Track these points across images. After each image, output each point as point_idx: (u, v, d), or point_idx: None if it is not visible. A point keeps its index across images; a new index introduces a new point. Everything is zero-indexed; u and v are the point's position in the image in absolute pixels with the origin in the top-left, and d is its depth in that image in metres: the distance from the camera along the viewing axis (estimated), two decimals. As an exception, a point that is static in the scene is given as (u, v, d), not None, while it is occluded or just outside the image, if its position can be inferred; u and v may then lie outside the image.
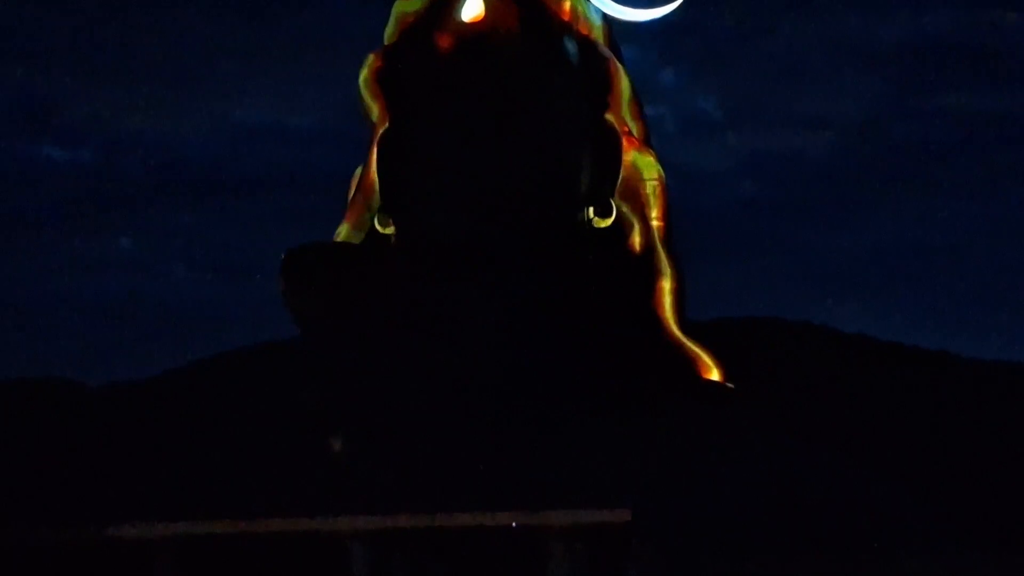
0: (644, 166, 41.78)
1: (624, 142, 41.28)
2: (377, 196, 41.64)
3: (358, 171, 43.34)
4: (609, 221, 40.28)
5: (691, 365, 40.24)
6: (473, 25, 40.22)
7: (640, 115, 42.97)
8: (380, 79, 41.91)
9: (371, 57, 42.30)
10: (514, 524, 32.06)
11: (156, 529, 33.81)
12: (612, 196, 40.44)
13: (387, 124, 41.48)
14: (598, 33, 42.63)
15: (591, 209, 40.43)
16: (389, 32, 43.03)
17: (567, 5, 42.10)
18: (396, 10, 42.91)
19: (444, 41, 40.34)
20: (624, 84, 41.79)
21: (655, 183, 41.88)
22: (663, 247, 41.40)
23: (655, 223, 41.61)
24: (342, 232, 42.14)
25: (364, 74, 42.37)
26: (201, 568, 33.81)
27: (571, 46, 40.82)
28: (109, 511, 35.14)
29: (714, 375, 39.66)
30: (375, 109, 42.05)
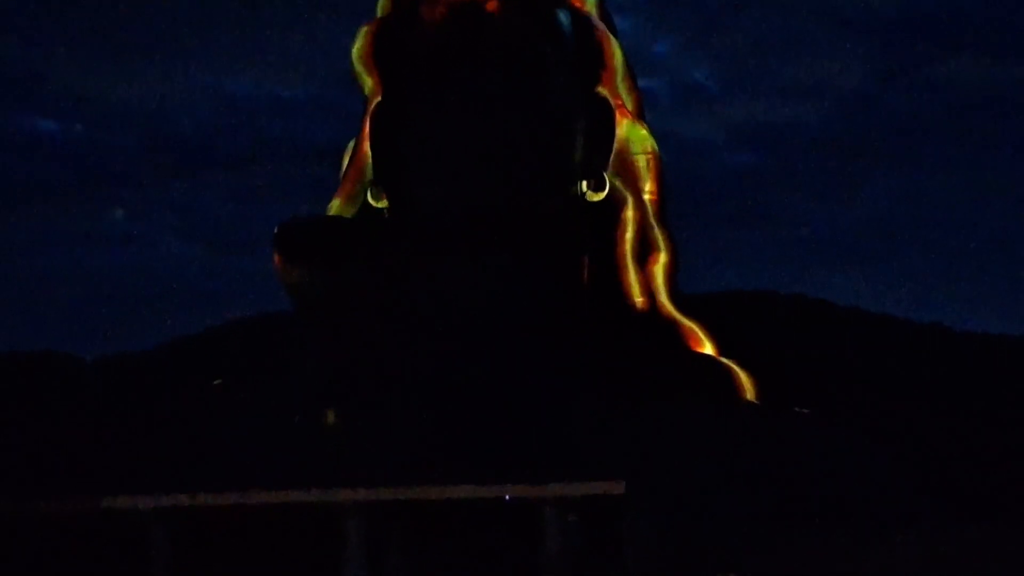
0: (637, 139, 41.75)
1: (617, 115, 41.26)
2: (370, 169, 41.63)
3: (351, 144, 43.31)
4: (603, 195, 40.31)
5: (684, 339, 40.44)
6: (465, -1, 40.21)
7: (633, 88, 42.94)
8: (373, 52, 41.85)
9: (364, 29, 42.21)
10: (508, 497, 32.17)
11: (151, 500, 33.90)
12: (606, 170, 40.47)
13: (380, 97, 41.49)
14: (591, 5, 42.53)
15: (585, 183, 40.47)
16: (382, 4, 42.92)
17: (560, -23, 42.03)
18: (389, -18, 42.86)
19: (437, 14, 40.26)
20: (617, 57, 41.72)
21: (648, 157, 41.85)
22: (656, 221, 41.43)
23: (648, 196, 41.61)
24: (335, 205, 42.12)
25: (357, 47, 42.29)
26: (195, 539, 33.94)
27: (564, 18, 40.74)
28: (105, 483, 35.25)
29: (707, 348, 39.75)
30: (369, 82, 41.99)
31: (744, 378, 37.96)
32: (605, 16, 43.39)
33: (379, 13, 42.49)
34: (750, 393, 37.72)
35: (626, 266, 40.09)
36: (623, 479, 31.64)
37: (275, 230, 39.26)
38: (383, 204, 40.71)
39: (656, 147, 42.01)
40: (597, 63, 41.22)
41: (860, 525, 32.07)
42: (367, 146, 41.27)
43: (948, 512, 34.69)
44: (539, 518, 32.18)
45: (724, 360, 38.57)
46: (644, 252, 40.58)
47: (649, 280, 40.46)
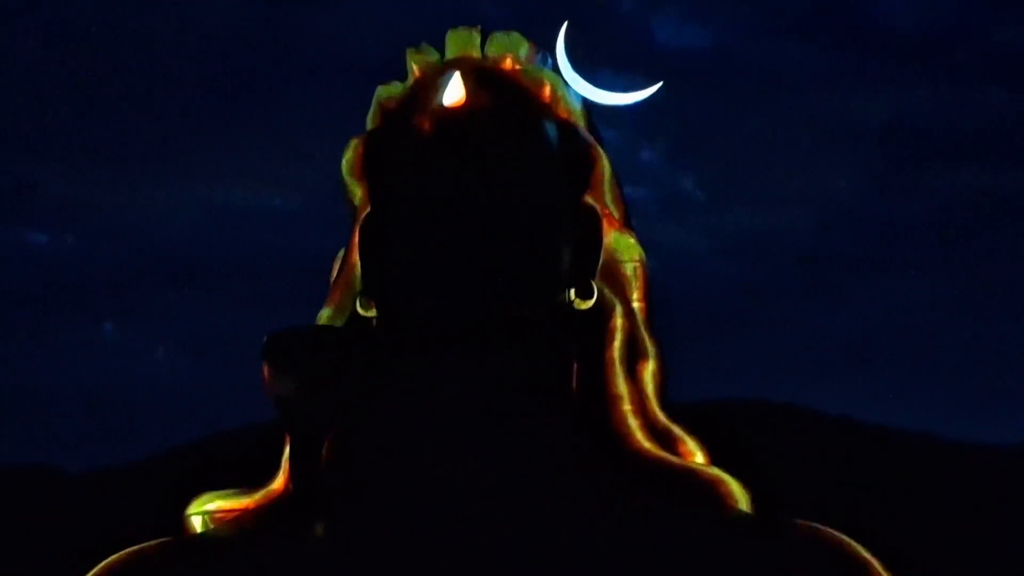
0: (624, 247, 40.86)
1: (604, 224, 40.75)
2: (359, 279, 41.03)
3: (340, 253, 42.76)
4: (590, 303, 39.60)
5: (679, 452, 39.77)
6: (453, 109, 39.80)
7: (620, 197, 42.12)
8: (363, 163, 41.40)
9: (354, 142, 41.61)
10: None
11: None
12: (593, 278, 39.75)
13: (369, 208, 40.93)
14: (577, 116, 42.03)
15: (572, 291, 39.79)
16: (371, 117, 42.27)
17: (547, 89, 41.46)
18: (378, 96, 42.24)
19: (424, 125, 39.62)
20: (604, 166, 40.98)
21: (635, 264, 40.98)
22: (645, 329, 40.66)
23: (636, 304, 40.81)
24: (324, 315, 41.06)
25: (347, 158, 41.50)
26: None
27: (551, 129, 40.11)
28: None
29: (698, 458, 38.94)
30: (358, 193, 41.14)
31: (736, 487, 37.12)
32: (592, 127, 42.95)
33: (368, 126, 42.22)
34: (742, 502, 36.91)
35: (614, 374, 39.24)
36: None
37: (264, 340, 38.67)
38: (372, 313, 40.02)
39: (643, 255, 41.41)
40: (584, 173, 40.44)
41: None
42: (356, 256, 40.51)
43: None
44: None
45: (716, 470, 37.84)
46: (633, 360, 39.78)
47: (639, 389, 39.71)
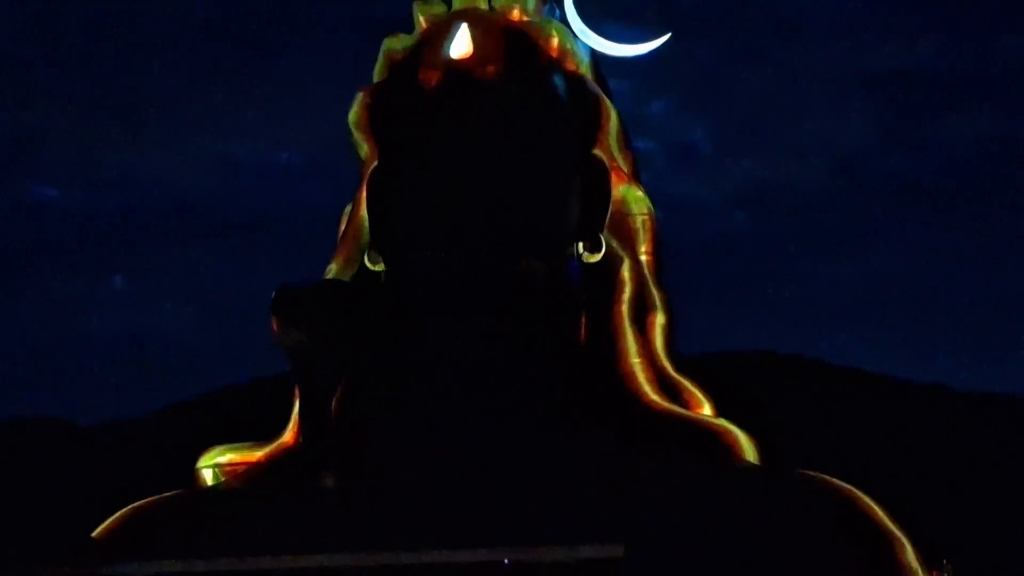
0: (633, 201, 41.90)
1: (613, 177, 41.43)
2: (367, 233, 41.75)
3: (348, 208, 43.45)
4: (599, 256, 40.40)
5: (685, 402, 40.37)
6: (460, 62, 40.43)
7: (628, 150, 43.11)
8: (370, 117, 42.08)
9: (361, 95, 42.44)
10: (506, 561, 32.04)
11: (146, 567, 33.76)
12: (601, 231, 40.56)
13: (376, 162, 41.66)
14: (585, 69, 42.79)
15: (581, 244, 40.59)
16: (378, 70, 43.19)
17: (555, 41, 42.25)
18: (385, 48, 43.06)
19: (432, 78, 40.48)
20: (612, 119, 41.92)
21: (644, 218, 41.99)
22: (653, 281, 41.48)
23: (644, 258, 41.67)
24: (332, 270, 42.19)
25: (354, 112, 42.51)
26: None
27: (559, 82, 40.97)
28: (102, 549, 35.11)
29: (706, 409, 39.64)
30: (365, 147, 42.17)
31: (743, 439, 37.83)
32: (600, 78, 43.64)
33: (375, 78, 42.75)
34: (750, 455, 37.56)
35: (623, 327, 40.11)
36: (621, 542, 31.52)
37: (272, 294, 39.32)
38: (380, 268, 40.83)
39: (652, 208, 42.14)
40: (592, 126, 41.40)
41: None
42: (363, 210, 41.39)
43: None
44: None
45: (723, 421, 38.45)
46: (641, 313, 40.60)
47: (647, 341, 40.44)
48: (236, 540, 34.61)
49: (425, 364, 39.51)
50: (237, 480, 41.02)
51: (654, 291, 41.45)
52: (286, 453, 41.19)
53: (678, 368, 41.16)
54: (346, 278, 42.43)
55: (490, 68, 40.47)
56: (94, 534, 38.07)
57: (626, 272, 41.25)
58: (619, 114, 42.87)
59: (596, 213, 40.52)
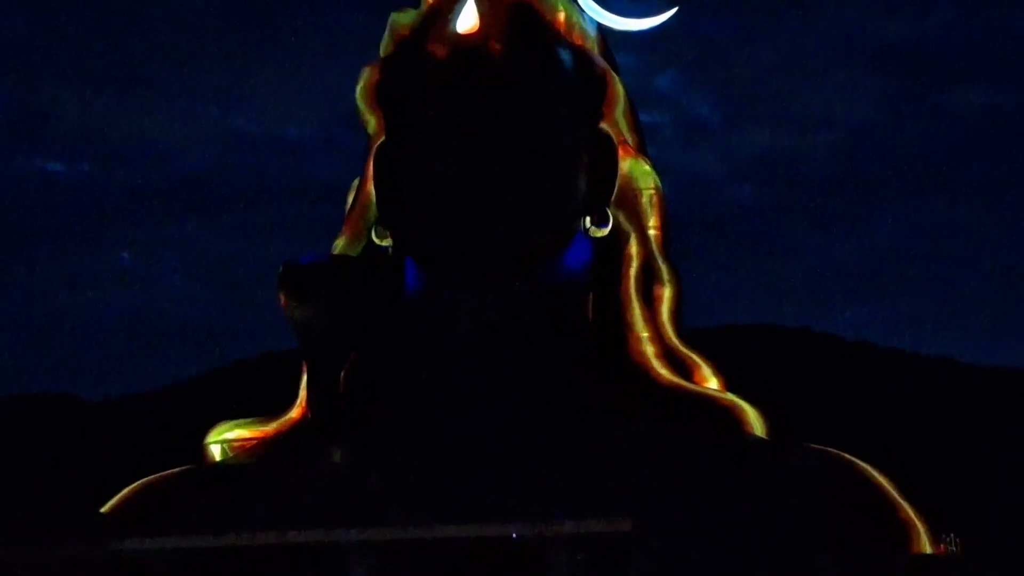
0: (640, 175, 41.81)
1: (620, 151, 41.32)
2: (374, 208, 41.70)
3: (355, 182, 43.39)
4: (606, 231, 40.33)
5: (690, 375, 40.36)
6: (467, 36, 40.29)
7: (636, 124, 42.99)
8: (377, 91, 41.98)
9: (368, 69, 42.33)
10: (515, 535, 32.06)
11: (156, 543, 33.82)
12: (608, 206, 40.50)
13: (383, 136, 41.58)
14: (592, 43, 42.65)
15: (588, 219, 40.52)
16: (385, 44, 43.05)
17: (561, 15, 42.12)
18: (392, 22, 42.92)
19: (439, 52, 40.35)
20: (619, 93, 41.79)
21: (651, 192, 41.91)
22: (661, 255, 41.42)
23: (652, 232, 41.60)
24: (340, 244, 42.16)
25: (361, 86, 42.40)
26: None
27: (566, 56, 40.82)
28: (112, 525, 35.16)
29: (713, 384, 39.62)
30: (372, 121, 42.08)
31: (751, 413, 37.84)
32: (607, 52, 43.49)
33: (382, 53, 42.63)
34: (758, 428, 37.58)
35: (631, 301, 40.08)
36: (630, 517, 31.52)
37: (280, 268, 39.31)
38: (387, 242, 40.79)
39: (659, 182, 42.06)
40: (599, 100, 41.28)
41: (867, 563, 31.90)
42: (371, 185, 41.32)
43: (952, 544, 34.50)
44: (546, 557, 32.06)
45: (731, 395, 38.45)
46: (649, 287, 40.55)
47: (654, 315, 40.40)
48: (244, 515, 34.70)
49: (433, 339, 39.51)
50: (245, 455, 41.10)
51: (662, 265, 41.41)
52: (294, 428, 41.28)
53: (686, 342, 41.15)
54: (353, 253, 42.41)
55: (496, 42, 40.34)
56: (103, 510, 38.19)
57: (633, 246, 41.19)
58: (626, 88, 42.77)
59: (603, 187, 40.44)
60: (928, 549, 34.40)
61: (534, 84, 40.53)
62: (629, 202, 42.41)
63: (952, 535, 33.98)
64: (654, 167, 42.91)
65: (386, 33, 43.67)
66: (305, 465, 37.35)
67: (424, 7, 42.94)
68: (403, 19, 43.19)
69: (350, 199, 43.62)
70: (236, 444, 40.90)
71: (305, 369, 40.64)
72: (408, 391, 38.68)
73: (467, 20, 40.87)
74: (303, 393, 40.91)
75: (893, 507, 34.59)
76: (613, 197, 41.22)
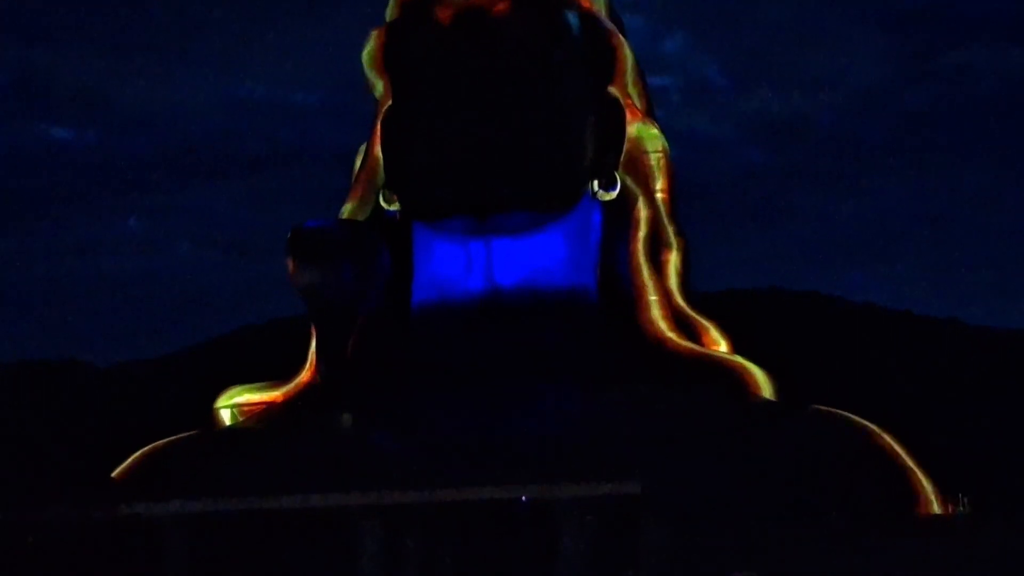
0: (648, 138, 41.73)
1: (627, 114, 41.22)
2: (382, 173, 41.67)
3: (363, 148, 43.32)
4: (614, 194, 40.27)
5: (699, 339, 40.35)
6: (473, 0, 40.15)
7: (643, 87, 42.88)
8: (383, 56, 41.88)
9: (374, 34, 42.24)
10: (524, 498, 32.12)
11: (167, 507, 33.92)
12: (616, 169, 40.43)
13: (391, 101, 41.50)
14: (600, 5, 42.47)
15: (596, 182, 40.45)
16: (391, 8, 42.94)
17: (567, -23, 41.99)
18: (397, -14, 42.86)
19: (445, 16, 40.22)
20: (627, 56, 41.65)
21: (659, 155, 41.82)
22: (668, 219, 41.38)
23: (660, 195, 41.56)
24: (347, 209, 42.14)
25: (367, 51, 42.30)
26: (211, 544, 33.92)
27: (573, 19, 40.69)
28: (122, 490, 35.27)
29: (722, 347, 39.63)
30: (379, 86, 42.01)
31: (760, 375, 37.86)
32: (614, 16, 43.32)
33: (388, 18, 42.50)
34: (766, 390, 37.60)
35: (639, 264, 40.06)
36: (639, 480, 31.59)
37: (288, 234, 39.30)
38: (395, 207, 40.76)
39: (667, 145, 41.96)
40: (607, 63, 41.15)
41: (877, 524, 31.96)
42: (378, 150, 41.29)
43: (958, 511, 34.53)
44: (556, 519, 32.14)
45: (740, 358, 38.46)
46: (657, 251, 40.54)
47: (662, 278, 40.40)
48: (254, 480, 34.80)
49: (441, 302, 39.51)
50: (255, 420, 41.21)
51: (669, 229, 41.35)
52: (303, 393, 41.37)
53: (694, 305, 41.16)
54: (361, 218, 42.40)
55: (503, 5, 40.19)
56: (114, 474, 38.34)
57: (641, 210, 41.14)
58: (633, 51, 42.62)
59: (611, 151, 40.35)
60: (937, 509, 34.48)
61: (540, 47, 40.41)
62: (637, 165, 42.31)
63: (961, 495, 34.02)
64: (661, 130, 42.82)
65: (392, -3, 43.59)
66: (314, 429, 37.45)
67: (431, -30, 42.84)
68: (409, -18, 43.07)
69: (357, 164, 43.57)
70: (245, 408, 41.01)
71: (313, 334, 40.72)
72: (416, 356, 38.71)
73: (473, -17, 40.73)
74: (312, 358, 40.99)
75: (901, 468, 34.67)
76: (621, 160, 41.19)
